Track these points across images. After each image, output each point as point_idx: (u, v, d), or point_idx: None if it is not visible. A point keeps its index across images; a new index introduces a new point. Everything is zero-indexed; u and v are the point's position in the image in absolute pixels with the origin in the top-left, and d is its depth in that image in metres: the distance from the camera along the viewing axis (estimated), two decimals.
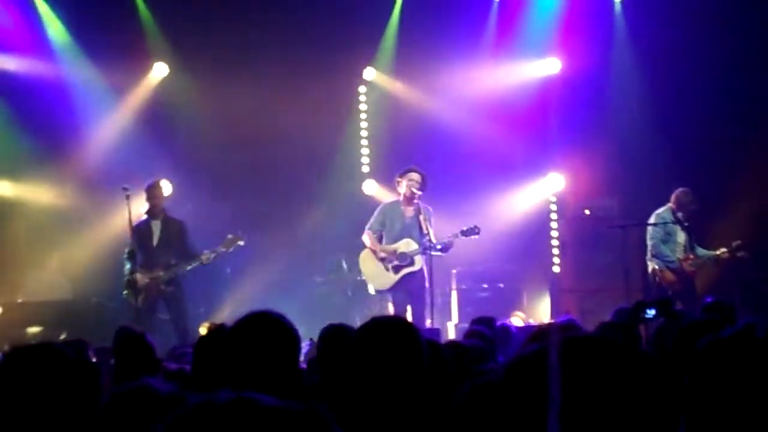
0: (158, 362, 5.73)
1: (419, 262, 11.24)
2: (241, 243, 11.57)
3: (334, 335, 4.97)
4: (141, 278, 11.33)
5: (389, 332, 3.13)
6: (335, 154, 14.38)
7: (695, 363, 2.41)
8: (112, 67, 13.96)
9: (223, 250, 11.51)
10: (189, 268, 11.46)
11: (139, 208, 11.65)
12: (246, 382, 2.85)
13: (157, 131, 14.18)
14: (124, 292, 11.42)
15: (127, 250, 11.42)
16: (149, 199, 11.56)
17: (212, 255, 11.44)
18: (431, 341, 3.71)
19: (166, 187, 13.77)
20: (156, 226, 11.56)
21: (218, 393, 1.79)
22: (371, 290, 11.61)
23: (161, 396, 2.86)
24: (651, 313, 6.49)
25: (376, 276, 11.40)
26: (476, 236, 11.31)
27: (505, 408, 1.88)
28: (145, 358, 5.60)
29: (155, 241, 11.51)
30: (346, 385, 3.04)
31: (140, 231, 11.43)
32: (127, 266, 11.39)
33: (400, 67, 14.70)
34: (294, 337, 3.18)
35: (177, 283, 11.49)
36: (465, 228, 11.29)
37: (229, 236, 11.54)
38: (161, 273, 11.37)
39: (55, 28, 14.09)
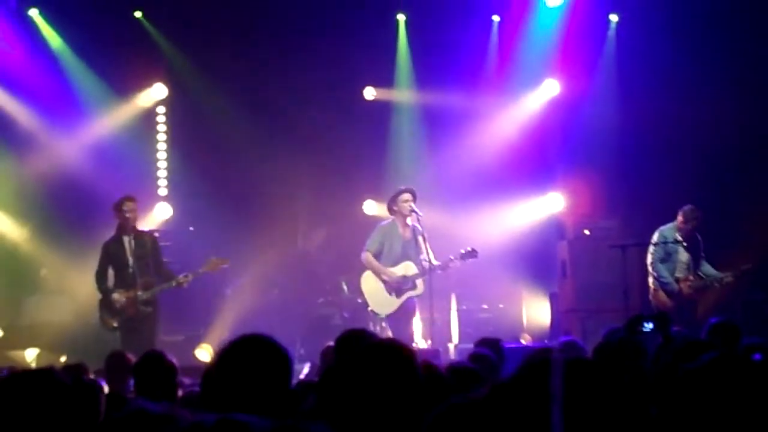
0: (176, 384, 5.70)
1: (421, 286, 11.20)
2: (226, 265, 11.27)
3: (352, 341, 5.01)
4: (118, 298, 10.86)
5: (386, 356, 3.14)
6: (335, 174, 14.34)
7: (675, 389, 2.41)
8: (114, 85, 14.08)
9: (202, 271, 11.03)
10: (165, 287, 10.94)
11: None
12: (239, 405, 2.87)
13: (157, 152, 14.22)
14: (99, 312, 11.04)
15: (96, 271, 11.07)
16: (118, 215, 10.96)
17: (190, 277, 10.94)
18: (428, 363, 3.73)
19: (166, 210, 13.82)
20: (127, 243, 10.93)
21: (206, 415, 1.83)
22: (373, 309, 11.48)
23: (154, 416, 2.88)
24: (648, 326, 6.45)
25: (378, 298, 11.29)
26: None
27: (487, 428, 1.90)
28: (164, 380, 5.57)
29: (129, 259, 10.87)
30: (341, 408, 3.05)
31: (111, 249, 11.00)
32: (101, 286, 11.01)
33: (405, 88, 14.77)
34: (285, 360, 3.17)
35: (155, 303, 10.98)
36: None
37: (213, 258, 11.12)
38: (139, 292, 10.83)
39: (57, 46, 14.11)
